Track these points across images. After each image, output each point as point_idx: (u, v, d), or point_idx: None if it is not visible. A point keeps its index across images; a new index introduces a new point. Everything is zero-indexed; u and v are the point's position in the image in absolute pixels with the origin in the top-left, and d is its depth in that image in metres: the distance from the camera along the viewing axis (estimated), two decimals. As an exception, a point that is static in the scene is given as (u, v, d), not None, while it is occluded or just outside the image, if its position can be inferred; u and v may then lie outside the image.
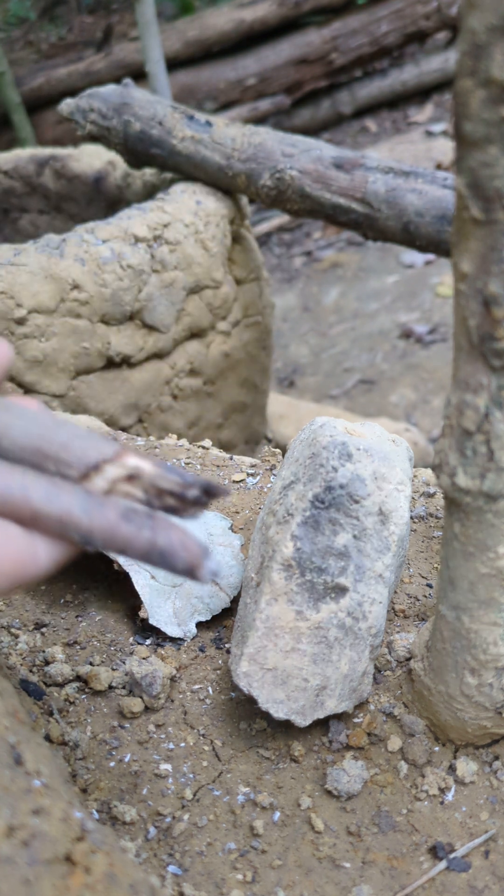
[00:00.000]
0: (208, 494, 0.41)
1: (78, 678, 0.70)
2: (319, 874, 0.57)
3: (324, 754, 0.64)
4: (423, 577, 0.78)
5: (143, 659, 0.70)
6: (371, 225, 1.41)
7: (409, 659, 0.68)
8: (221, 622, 0.75)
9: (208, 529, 0.81)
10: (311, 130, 4.51)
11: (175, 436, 1.07)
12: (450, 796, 0.61)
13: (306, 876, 0.57)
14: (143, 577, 0.73)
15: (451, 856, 0.57)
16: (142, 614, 0.72)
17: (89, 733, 0.66)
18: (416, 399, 2.69)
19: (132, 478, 0.41)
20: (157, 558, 0.39)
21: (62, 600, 0.79)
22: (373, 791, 0.62)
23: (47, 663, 0.71)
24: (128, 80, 1.64)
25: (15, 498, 0.39)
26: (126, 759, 0.64)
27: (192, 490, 0.40)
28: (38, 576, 0.40)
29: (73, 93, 3.00)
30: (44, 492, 0.39)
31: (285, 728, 0.66)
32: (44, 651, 0.73)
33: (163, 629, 0.72)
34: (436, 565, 0.79)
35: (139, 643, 0.73)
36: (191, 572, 0.39)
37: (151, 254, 1.47)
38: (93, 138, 1.66)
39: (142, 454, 0.42)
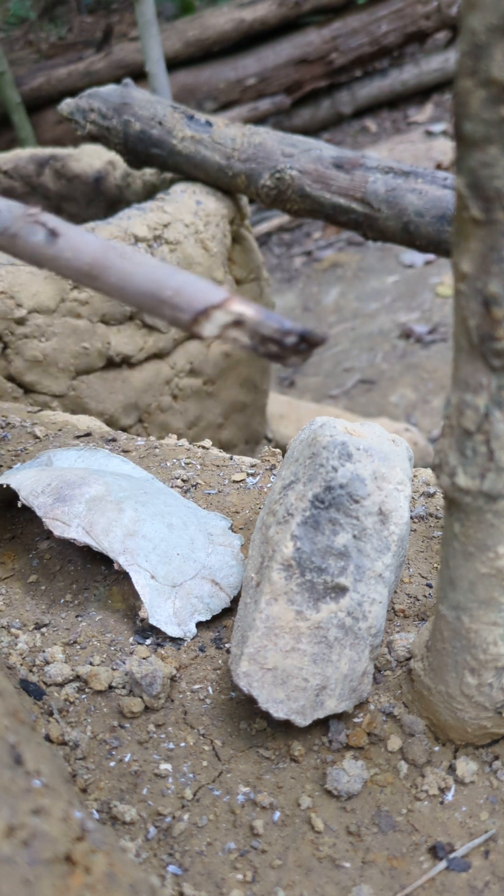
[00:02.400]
0: (306, 342, 0.42)
1: (78, 678, 0.70)
2: (319, 874, 0.57)
3: (324, 754, 0.64)
4: (423, 577, 0.78)
5: (143, 659, 0.70)
6: (371, 225, 1.41)
7: (409, 659, 0.68)
8: (221, 622, 0.75)
9: (208, 529, 0.81)
10: (311, 130, 4.51)
11: (175, 436, 1.07)
12: (450, 796, 0.61)
13: (306, 876, 0.57)
14: (143, 577, 0.73)
15: (451, 856, 0.57)
16: (142, 614, 0.72)
17: (89, 733, 0.66)
18: (416, 399, 2.69)
19: (238, 323, 0.42)
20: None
21: (62, 600, 0.79)
22: (373, 791, 0.62)
23: (47, 663, 0.71)
24: (128, 80, 1.64)
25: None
26: (126, 759, 0.64)
27: (290, 337, 0.42)
28: None
29: (73, 93, 3.00)
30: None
31: (285, 728, 0.66)
32: (44, 651, 0.73)
33: (163, 629, 0.72)
34: (436, 565, 0.79)
35: (139, 643, 0.73)
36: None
37: (151, 254, 1.47)
38: (93, 138, 1.66)
39: (247, 301, 0.43)
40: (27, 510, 0.81)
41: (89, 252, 0.47)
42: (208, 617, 0.74)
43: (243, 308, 0.42)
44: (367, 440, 0.64)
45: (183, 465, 0.96)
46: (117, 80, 1.84)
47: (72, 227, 0.49)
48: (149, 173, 1.84)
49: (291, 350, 0.42)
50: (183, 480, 0.92)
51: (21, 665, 0.71)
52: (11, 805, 0.42)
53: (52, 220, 0.50)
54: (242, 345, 0.43)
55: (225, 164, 1.53)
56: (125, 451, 0.99)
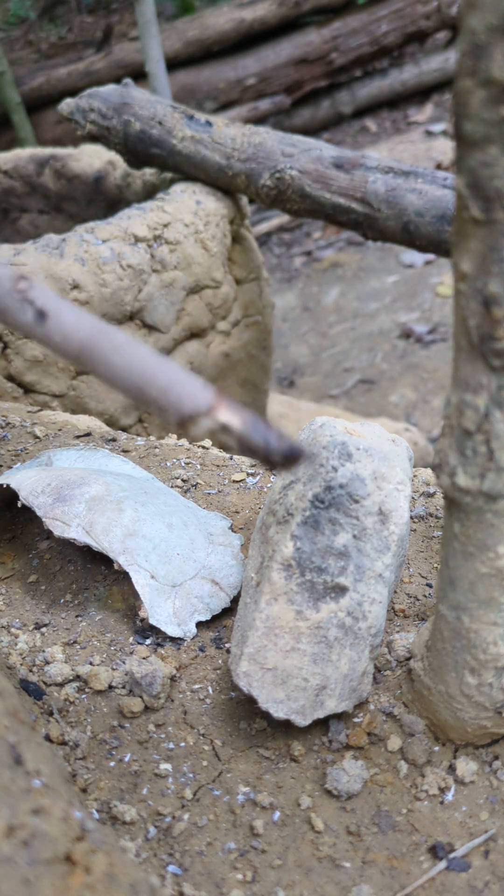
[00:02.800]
0: (290, 461, 0.42)
1: (78, 678, 0.70)
2: (319, 874, 0.57)
3: (324, 754, 0.64)
4: (423, 577, 0.78)
5: (143, 659, 0.70)
6: (371, 225, 1.41)
7: (409, 659, 0.68)
8: (221, 622, 0.75)
9: (208, 529, 0.81)
10: (311, 130, 4.51)
11: (175, 435, 1.07)
12: (450, 796, 0.61)
13: (306, 876, 0.57)
14: (143, 577, 0.73)
15: (451, 856, 0.57)
16: (142, 614, 0.72)
17: (89, 733, 0.66)
18: (416, 399, 2.69)
19: (224, 431, 0.43)
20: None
21: (62, 600, 0.79)
22: (373, 791, 0.62)
23: (47, 663, 0.71)
24: (128, 80, 1.64)
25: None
26: (126, 759, 0.64)
27: (275, 457, 0.42)
28: None
29: (73, 93, 3.00)
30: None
31: (285, 728, 0.66)
32: (44, 651, 0.73)
33: (163, 629, 0.72)
34: (436, 565, 0.79)
35: (139, 643, 0.73)
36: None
37: (151, 254, 1.47)
38: (93, 138, 1.66)
39: (235, 407, 0.44)
40: (27, 510, 0.81)
41: (77, 339, 0.47)
42: (208, 617, 0.74)
43: (230, 417, 0.42)
44: (367, 440, 0.64)
45: (183, 464, 0.96)
46: (117, 80, 1.84)
47: (62, 305, 0.48)
48: (149, 173, 1.84)
49: (278, 464, 0.42)
50: (183, 480, 0.92)
51: (21, 665, 0.71)
52: (11, 805, 0.42)
53: (41, 298, 0.49)
54: (231, 448, 0.43)
55: (225, 164, 1.53)
56: (125, 451, 0.99)
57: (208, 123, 1.55)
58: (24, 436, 1.02)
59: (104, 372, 0.46)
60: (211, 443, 1.04)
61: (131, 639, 0.74)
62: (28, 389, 1.39)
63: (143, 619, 0.73)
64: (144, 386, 0.44)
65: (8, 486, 0.80)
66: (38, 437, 1.01)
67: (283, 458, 0.42)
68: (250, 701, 0.62)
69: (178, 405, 0.43)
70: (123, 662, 0.71)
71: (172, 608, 0.73)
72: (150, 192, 1.84)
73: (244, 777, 0.63)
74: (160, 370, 0.44)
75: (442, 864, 0.57)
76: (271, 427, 0.43)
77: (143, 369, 0.44)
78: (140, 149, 1.61)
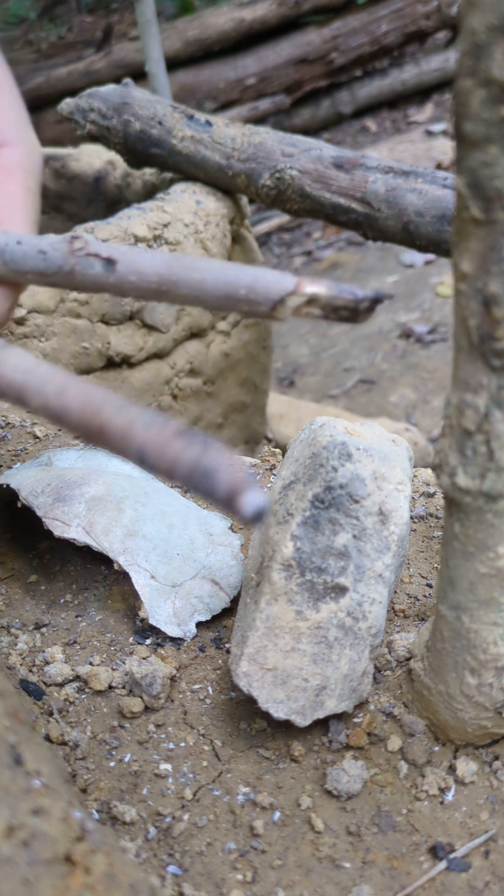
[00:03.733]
0: (376, 302, 0.46)
1: (78, 678, 0.70)
2: (319, 874, 0.57)
3: (324, 754, 0.64)
4: (423, 577, 0.78)
5: (143, 659, 0.70)
6: (371, 225, 1.41)
7: (409, 659, 0.68)
8: (221, 622, 0.75)
9: (208, 529, 0.81)
10: (311, 130, 4.51)
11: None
12: (450, 796, 0.61)
13: (306, 876, 0.57)
14: (143, 577, 0.73)
15: (451, 856, 0.57)
16: (142, 614, 0.72)
17: (89, 733, 0.66)
18: (416, 399, 2.69)
19: (312, 301, 0.46)
20: (200, 479, 0.39)
21: (62, 600, 0.79)
22: (373, 791, 0.62)
23: (47, 663, 0.71)
24: (128, 80, 1.64)
25: (90, 411, 0.43)
26: (126, 759, 0.64)
27: (364, 303, 0.46)
28: None
29: (72, 92, 3.00)
30: (114, 407, 0.42)
31: (285, 728, 0.66)
32: (44, 651, 0.73)
33: (163, 629, 0.72)
34: (436, 565, 0.79)
35: (139, 643, 0.73)
36: (230, 500, 0.38)
37: (151, 254, 1.47)
38: (92, 138, 1.66)
39: (315, 279, 0.47)
40: (27, 510, 0.81)
41: (153, 271, 0.48)
42: (208, 617, 0.74)
43: (316, 288, 0.45)
44: (367, 440, 0.64)
45: (183, 465, 0.96)
46: (117, 80, 1.84)
47: (125, 249, 0.50)
48: (149, 173, 1.84)
49: (363, 312, 0.46)
50: (183, 480, 0.92)
51: (21, 665, 0.71)
52: (11, 805, 0.42)
53: (104, 249, 0.50)
54: (314, 316, 0.46)
55: (225, 164, 1.53)
56: (125, 451, 0.99)
57: (208, 123, 1.55)
58: (24, 436, 1.02)
59: (189, 292, 0.48)
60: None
61: (131, 639, 0.74)
62: (28, 389, 1.39)
63: (143, 619, 0.73)
64: (233, 288, 0.46)
65: (8, 486, 0.80)
66: (38, 437, 1.01)
67: (372, 303, 0.45)
68: (250, 701, 0.62)
69: (267, 293, 0.46)
70: (123, 662, 0.71)
71: (172, 608, 0.73)
72: (150, 192, 1.84)
73: (244, 777, 0.63)
74: (240, 271, 0.47)
75: (442, 865, 0.57)
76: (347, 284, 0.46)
77: (224, 276, 0.47)
78: (140, 149, 1.61)
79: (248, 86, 4.29)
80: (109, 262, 0.49)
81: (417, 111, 4.64)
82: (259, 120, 4.25)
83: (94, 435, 0.43)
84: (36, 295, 1.32)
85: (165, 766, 0.64)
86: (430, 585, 0.77)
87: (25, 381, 0.45)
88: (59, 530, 0.74)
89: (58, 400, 0.44)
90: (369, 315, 0.47)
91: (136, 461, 0.42)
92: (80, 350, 1.40)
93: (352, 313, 0.46)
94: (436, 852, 0.58)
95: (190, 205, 1.56)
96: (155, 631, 0.74)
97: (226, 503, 0.38)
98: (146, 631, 0.74)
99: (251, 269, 0.47)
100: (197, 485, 0.39)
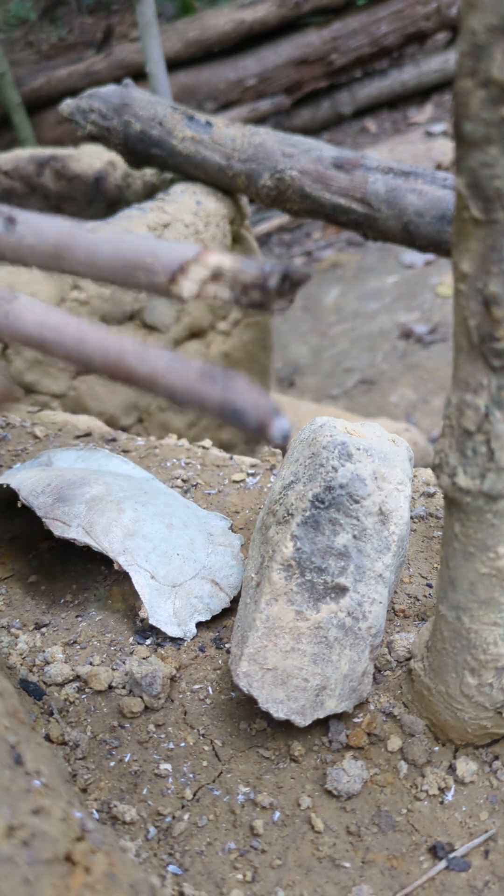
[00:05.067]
0: (289, 281, 0.41)
1: (78, 678, 0.70)
2: (319, 874, 0.57)
3: (324, 754, 0.64)
4: (423, 577, 0.78)
5: (143, 659, 0.70)
6: (371, 225, 1.41)
7: (409, 659, 0.68)
8: (221, 622, 0.75)
9: (208, 529, 0.81)
10: (311, 130, 4.51)
11: (175, 435, 1.07)
12: (449, 796, 0.61)
13: (306, 876, 0.57)
14: (143, 577, 0.73)
15: (451, 855, 0.57)
16: (142, 614, 0.72)
17: (89, 733, 0.66)
18: (416, 399, 2.69)
19: (217, 276, 0.42)
20: (230, 414, 0.40)
21: (62, 600, 0.79)
22: (373, 791, 0.62)
23: (47, 663, 0.71)
24: (128, 81, 1.64)
25: (113, 359, 0.42)
26: (126, 759, 0.64)
27: (272, 279, 0.41)
28: None
29: (73, 93, 2.99)
30: (136, 354, 0.42)
31: (285, 728, 0.66)
32: (44, 651, 0.73)
33: (163, 629, 0.72)
34: (436, 565, 0.79)
35: (139, 643, 0.73)
36: (261, 429, 0.39)
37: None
38: (93, 138, 1.66)
39: (222, 251, 0.43)
40: (27, 510, 0.81)
41: (52, 233, 0.46)
42: (208, 617, 0.74)
43: (220, 258, 0.42)
44: (367, 440, 0.64)
45: (183, 465, 0.96)
46: (117, 81, 1.84)
47: (28, 213, 0.48)
48: (149, 173, 1.85)
49: (275, 293, 0.41)
50: (183, 480, 0.92)
51: (21, 665, 0.71)
52: (11, 805, 0.42)
53: (5, 208, 0.48)
54: (224, 300, 0.42)
55: (225, 165, 1.53)
56: (125, 451, 0.99)
57: (208, 124, 1.55)
58: (24, 436, 1.02)
59: (85, 258, 0.45)
60: (211, 443, 1.04)
61: (131, 639, 0.74)
62: (28, 389, 1.39)
63: (143, 620, 0.73)
64: (129, 256, 0.43)
65: (8, 486, 0.80)
66: (38, 437, 1.01)
67: (282, 280, 0.41)
68: (250, 701, 0.62)
69: (166, 262, 0.42)
70: (123, 662, 0.71)
71: (172, 608, 0.73)
72: (150, 193, 1.84)
73: (244, 777, 0.63)
74: (141, 239, 0.44)
75: (442, 864, 0.57)
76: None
77: (123, 242, 0.44)
78: (140, 149, 1.61)
79: (248, 86, 4.29)
80: (10, 222, 0.47)
81: (417, 112, 4.65)
82: (259, 120, 4.25)
83: (122, 380, 0.43)
84: (36, 295, 1.33)
85: (165, 766, 0.64)
86: (430, 585, 0.77)
87: (42, 334, 0.45)
88: (59, 530, 0.74)
89: (78, 351, 0.44)
90: (286, 301, 0.42)
91: (167, 400, 0.42)
92: (80, 350, 1.40)
93: (263, 295, 0.42)
94: (436, 852, 0.58)
95: (190, 205, 1.56)
96: (155, 631, 0.74)
97: (257, 433, 0.39)
98: (146, 631, 0.74)
99: (153, 239, 0.44)
100: (228, 420, 0.40)
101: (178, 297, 0.43)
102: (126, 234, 0.45)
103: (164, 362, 0.42)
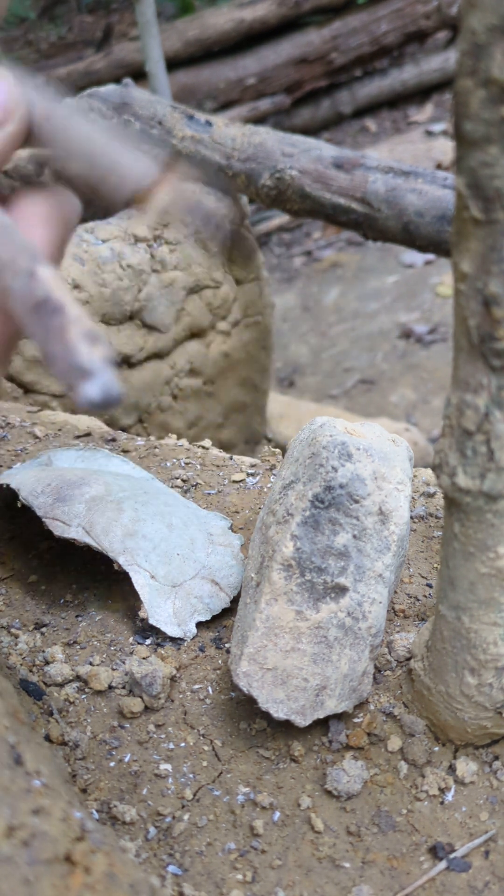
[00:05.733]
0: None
1: (78, 678, 0.70)
2: (319, 874, 0.57)
3: (324, 754, 0.64)
4: (423, 577, 0.78)
5: (143, 659, 0.70)
6: (371, 225, 1.41)
7: (409, 659, 0.68)
8: (221, 622, 0.75)
9: (208, 529, 0.81)
10: (311, 130, 4.51)
11: (175, 436, 1.07)
12: (450, 796, 0.61)
13: (306, 876, 0.57)
14: (143, 577, 0.73)
15: (451, 856, 0.57)
16: (142, 614, 0.72)
17: (89, 733, 0.66)
18: (416, 399, 2.70)
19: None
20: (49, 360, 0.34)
21: (62, 600, 0.79)
22: (373, 791, 0.62)
23: (47, 663, 0.71)
24: (128, 80, 1.64)
25: None
26: (126, 759, 0.64)
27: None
28: None
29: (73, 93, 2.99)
30: None
31: (285, 728, 0.66)
32: (44, 651, 0.73)
33: (163, 629, 0.72)
34: (436, 565, 0.79)
35: (139, 643, 0.73)
36: (69, 387, 0.33)
37: (151, 253, 1.47)
38: (93, 138, 1.66)
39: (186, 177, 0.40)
40: (27, 510, 0.81)
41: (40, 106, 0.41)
42: (208, 617, 0.74)
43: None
44: (367, 440, 0.64)
45: (183, 465, 0.96)
46: (117, 80, 1.84)
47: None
48: (149, 173, 1.84)
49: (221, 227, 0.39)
50: (183, 480, 0.92)
51: (21, 665, 0.71)
52: (11, 805, 0.42)
53: None
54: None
55: (225, 164, 1.53)
56: (125, 451, 0.99)
57: (208, 123, 1.55)
58: (24, 436, 1.02)
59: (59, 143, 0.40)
60: (211, 443, 1.04)
61: (131, 639, 0.74)
62: (28, 389, 1.39)
63: (143, 619, 0.73)
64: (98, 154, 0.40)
65: (8, 486, 0.80)
66: (38, 437, 1.01)
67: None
68: (250, 701, 0.62)
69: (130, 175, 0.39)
70: (123, 662, 0.71)
71: (172, 608, 0.73)
72: (150, 192, 1.84)
73: (244, 777, 0.63)
74: (115, 143, 0.41)
75: (442, 865, 0.57)
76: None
77: (93, 140, 0.40)
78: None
79: (248, 86, 4.29)
80: None
81: (417, 111, 4.65)
82: (259, 120, 4.25)
83: None
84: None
85: (165, 766, 0.64)
86: (430, 585, 0.77)
87: None
88: (59, 530, 0.74)
89: None
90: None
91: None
92: (80, 350, 1.40)
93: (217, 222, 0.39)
94: (436, 852, 0.58)
95: (190, 205, 1.56)
96: (155, 631, 0.74)
97: (66, 389, 0.34)
98: (146, 631, 0.74)
99: (117, 148, 0.40)
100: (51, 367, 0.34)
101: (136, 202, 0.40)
102: (104, 131, 0.41)
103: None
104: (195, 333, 1.62)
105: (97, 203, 0.43)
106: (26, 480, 0.79)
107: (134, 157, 0.41)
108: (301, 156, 1.45)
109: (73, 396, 0.33)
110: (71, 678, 0.70)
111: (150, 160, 0.41)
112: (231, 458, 0.98)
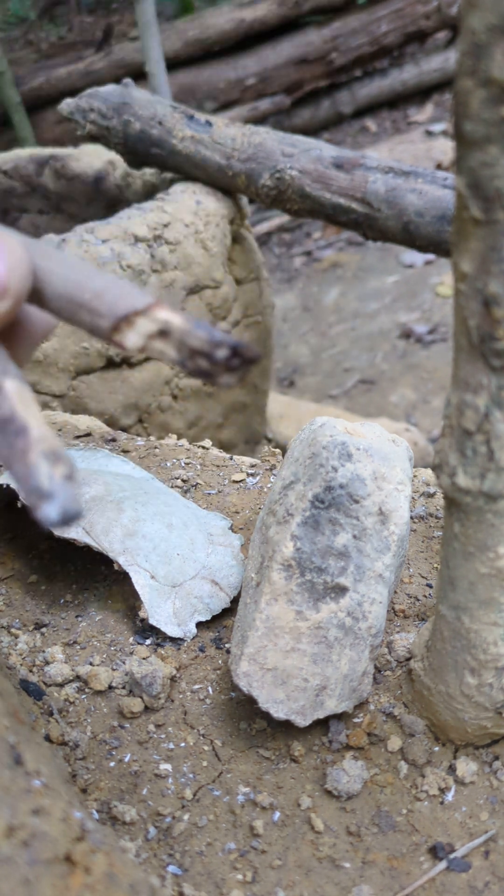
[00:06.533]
0: (239, 357, 0.38)
1: (78, 678, 0.70)
2: (319, 874, 0.57)
3: (324, 754, 0.64)
4: (423, 577, 0.78)
5: (143, 659, 0.70)
6: (371, 225, 1.41)
7: (409, 659, 0.68)
8: (221, 622, 0.75)
9: (208, 529, 0.81)
10: (311, 130, 4.51)
11: (175, 436, 1.07)
12: (450, 796, 0.61)
13: (306, 876, 0.57)
14: (143, 577, 0.73)
15: (451, 856, 0.57)
16: (142, 614, 0.72)
17: (89, 733, 0.66)
18: (416, 399, 2.69)
19: (164, 333, 0.39)
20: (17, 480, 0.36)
21: (62, 600, 0.79)
22: (373, 791, 0.62)
23: (47, 663, 0.71)
24: (128, 80, 1.64)
25: None
26: (126, 759, 0.64)
27: (221, 350, 0.38)
28: None
29: (73, 93, 3.00)
30: None
31: (285, 728, 0.66)
32: (44, 651, 0.73)
33: (163, 629, 0.72)
34: (436, 565, 0.79)
35: (139, 643, 0.73)
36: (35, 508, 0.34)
37: (151, 254, 1.47)
38: (93, 138, 1.66)
39: (174, 308, 0.40)
40: (27, 510, 0.81)
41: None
42: (208, 617, 0.74)
43: (170, 316, 0.38)
44: (367, 440, 0.64)
45: (183, 465, 0.96)
46: (117, 80, 1.84)
47: None
48: (149, 173, 1.84)
49: (223, 366, 0.38)
50: (183, 480, 0.92)
51: (21, 665, 0.71)
52: (11, 805, 0.42)
53: None
54: (169, 359, 0.39)
55: (225, 164, 1.53)
56: (125, 451, 0.99)
57: (208, 123, 1.55)
58: (24, 436, 1.02)
59: (34, 283, 0.40)
60: (211, 443, 1.04)
61: (131, 639, 0.74)
62: (28, 389, 1.39)
63: (143, 620, 0.73)
64: (79, 289, 0.39)
65: (8, 486, 0.80)
66: (38, 437, 1.01)
67: (231, 354, 0.38)
68: (250, 701, 0.62)
69: (113, 306, 0.39)
70: (123, 662, 0.71)
71: (172, 608, 0.73)
72: (149, 192, 1.84)
73: (244, 777, 0.63)
74: (94, 274, 0.40)
75: (442, 865, 0.57)
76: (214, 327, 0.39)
77: (76, 272, 0.40)
78: (140, 149, 1.61)
79: (248, 86, 4.29)
80: None
81: (417, 111, 4.64)
82: (259, 120, 4.25)
83: None
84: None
85: (165, 766, 0.64)
86: (430, 585, 0.77)
87: None
88: (58, 530, 0.74)
89: None
90: (234, 376, 0.38)
91: None
92: (80, 350, 1.40)
93: (211, 365, 0.38)
94: (436, 852, 0.58)
95: (190, 205, 1.56)
96: (155, 631, 0.74)
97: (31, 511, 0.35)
98: (146, 631, 0.74)
99: (108, 277, 0.40)
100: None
101: (119, 346, 0.39)
102: (80, 266, 0.41)
103: None
104: (195, 333, 1.61)
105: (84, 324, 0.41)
106: (26, 480, 0.79)
107: (119, 287, 0.40)
108: (301, 156, 1.45)
109: (35, 515, 0.34)
110: (71, 678, 0.70)
111: (137, 289, 0.40)
112: (231, 458, 0.98)
